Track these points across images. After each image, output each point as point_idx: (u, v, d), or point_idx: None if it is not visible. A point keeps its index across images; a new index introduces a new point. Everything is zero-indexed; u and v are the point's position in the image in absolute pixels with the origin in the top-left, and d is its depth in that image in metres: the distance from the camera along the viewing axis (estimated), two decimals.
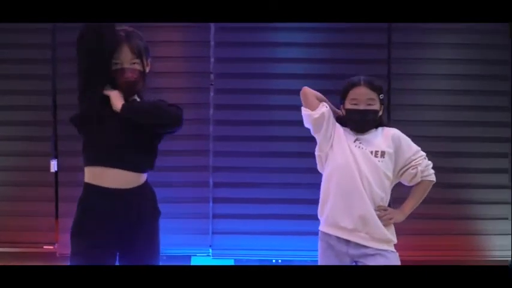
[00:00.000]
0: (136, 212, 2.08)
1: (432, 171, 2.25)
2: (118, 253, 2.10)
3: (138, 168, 2.10)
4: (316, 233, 2.32)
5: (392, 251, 2.16)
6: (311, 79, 3.52)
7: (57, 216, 3.56)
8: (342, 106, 2.29)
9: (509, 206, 3.50)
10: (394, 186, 2.26)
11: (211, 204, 3.56)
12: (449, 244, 3.51)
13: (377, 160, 2.16)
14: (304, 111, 2.30)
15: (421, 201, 2.27)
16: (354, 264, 2.19)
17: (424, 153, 2.25)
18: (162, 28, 3.46)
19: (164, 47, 3.47)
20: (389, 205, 2.23)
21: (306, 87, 2.34)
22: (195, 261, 3.57)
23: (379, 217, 2.16)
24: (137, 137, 2.08)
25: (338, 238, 2.18)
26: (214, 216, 3.56)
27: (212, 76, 3.57)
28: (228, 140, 3.56)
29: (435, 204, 3.21)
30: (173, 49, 3.55)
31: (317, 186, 2.32)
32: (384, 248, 2.14)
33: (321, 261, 2.25)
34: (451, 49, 3.54)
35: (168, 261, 3.36)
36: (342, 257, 2.17)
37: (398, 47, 3.54)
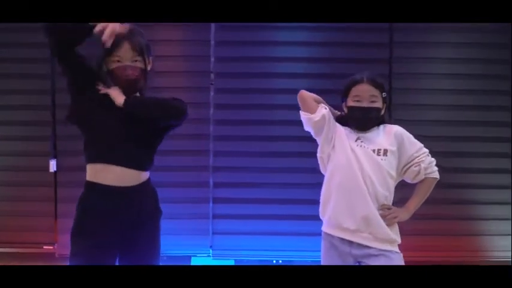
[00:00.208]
0: (138, 210, 2.07)
1: (436, 168, 2.22)
2: (118, 253, 2.09)
3: (139, 166, 2.08)
4: (316, 234, 2.31)
5: (396, 252, 2.14)
6: (312, 78, 3.53)
7: (56, 217, 3.54)
8: (343, 104, 2.27)
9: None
10: (397, 187, 2.23)
11: (211, 204, 3.55)
12: (450, 245, 3.51)
13: (380, 158, 2.14)
14: (304, 115, 2.27)
15: (425, 199, 2.24)
16: (357, 264, 2.17)
17: (427, 150, 2.22)
18: (162, 27, 3.44)
19: (164, 45, 3.45)
20: (392, 204, 2.21)
21: (302, 90, 2.32)
22: (195, 261, 3.56)
23: (383, 216, 2.13)
24: (138, 133, 2.07)
25: (341, 238, 2.16)
26: (215, 216, 3.55)
27: (212, 75, 3.56)
28: (228, 139, 3.55)
29: (437, 204, 3.20)
30: (173, 48, 3.53)
31: (318, 186, 2.31)
32: (387, 249, 2.12)
33: (324, 261, 2.23)
34: (452, 48, 3.53)
35: (168, 261, 3.35)
36: (345, 257, 2.15)
37: (399, 46, 3.53)
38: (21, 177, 3.56)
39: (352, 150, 2.17)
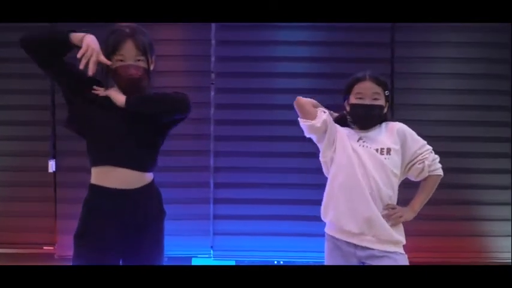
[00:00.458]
0: (143, 213, 2.06)
1: (439, 165, 2.20)
2: (122, 256, 2.06)
3: (142, 167, 2.07)
4: (318, 234, 2.30)
5: (400, 253, 2.12)
6: (313, 78, 3.52)
7: (55, 217, 3.53)
8: (345, 102, 2.24)
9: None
10: (400, 189, 2.20)
11: (212, 205, 3.53)
12: (452, 246, 3.49)
13: (383, 158, 2.12)
14: (304, 122, 2.24)
15: (429, 196, 2.22)
16: (361, 265, 2.14)
17: (430, 147, 2.20)
18: (162, 26, 3.42)
19: (164, 45, 3.42)
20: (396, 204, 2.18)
21: (298, 97, 2.28)
22: (196, 262, 3.55)
23: (388, 216, 2.11)
24: (141, 133, 2.05)
25: (346, 241, 2.14)
26: (215, 217, 3.54)
27: (213, 75, 3.55)
28: (229, 140, 3.54)
29: (437, 205, 3.18)
30: (173, 47, 3.52)
31: (320, 186, 2.29)
32: (392, 250, 2.10)
33: (328, 262, 2.21)
34: (454, 48, 3.52)
35: (169, 262, 3.32)
36: (349, 258, 2.12)
37: (401, 45, 3.52)
38: (20, 177, 3.54)
39: (354, 150, 2.15)
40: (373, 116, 2.17)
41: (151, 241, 2.09)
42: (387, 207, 2.12)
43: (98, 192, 2.03)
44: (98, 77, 2.06)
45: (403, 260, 2.11)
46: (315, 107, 2.26)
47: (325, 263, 2.23)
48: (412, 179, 2.22)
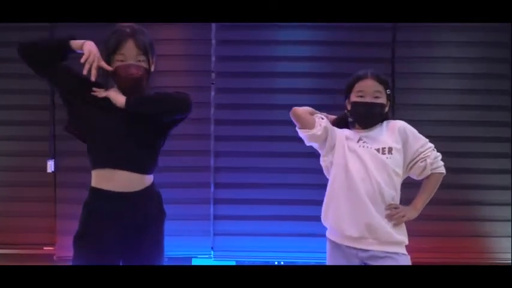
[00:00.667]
0: (143, 215, 2.05)
1: (441, 163, 2.19)
2: (122, 258, 2.06)
3: (143, 169, 2.06)
4: (319, 235, 2.28)
5: (403, 254, 2.10)
6: (314, 78, 3.52)
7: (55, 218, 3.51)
8: (346, 101, 2.23)
9: None
10: (401, 188, 2.19)
11: (212, 205, 3.52)
12: (452, 246, 3.47)
13: (385, 157, 2.10)
14: (304, 132, 2.22)
15: (432, 195, 2.20)
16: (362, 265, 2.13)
17: (432, 145, 2.18)
18: (163, 26, 3.40)
19: (164, 44, 3.41)
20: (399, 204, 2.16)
21: (294, 108, 2.25)
22: (196, 263, 3.53)
23: (391, 216, 2.10)
24: (141, 135, 2.04)
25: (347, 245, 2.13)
26: (216, 217, 3.53)
27: (213, 75, 3.54)
28: (229, 140, 3.53)
29: (439, 205, 3.16)
30: (173, 47, 3.51)
31: (320, 187, 2.28)
32: (394, 251, 2.08)
33: (329, 262, 2.20)
34: (455, 47, 3.51)
35: (169, 263, 3.32)
36: (351, 258, 2.11)
37: (402, 45, 3.51)
38: (20, 177, 3.53)
39: (354, 152, 2.13)
40: (375, 114, 2.16)
41: (151, 242, 2.09)
42: (389, 206, 2.10)
43: (98, 195, 2.02)
44: (98, 78, 2.05)
45: (405, 261, 2.10)
46: (311, 114, 2.24)
47: (327, 263, 2.22)
48: (415, 177, 2.20)
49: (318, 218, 2.29)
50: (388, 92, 2.17)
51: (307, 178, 3.39)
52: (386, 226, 2.08)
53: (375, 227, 2.07)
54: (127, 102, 1.99)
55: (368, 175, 2.09)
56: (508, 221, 3.46)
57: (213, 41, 3.53)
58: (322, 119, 2.22)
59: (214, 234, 3.53)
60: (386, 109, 2.20)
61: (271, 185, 3.49)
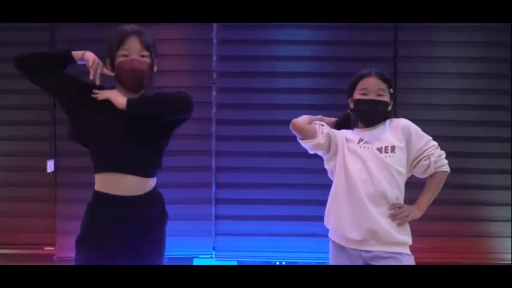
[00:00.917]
0: (147, 218, 2.05)
1: (446, 161, 2.17)
2: (124, 260, 2.04)
3: (147, 173, 2.05)
4: (320, 235, 2.27)
5: (407, 254, 2.09)
6: (315, 78, 3.51)
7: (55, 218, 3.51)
8: (349, 100, 2.22)
9: None
10: (406, 189, 2.17)
11: (213, 205, 3.52)
12: (452, 246, 3.46)
13: (386, 156, 2.08)
14: (307, 142, 2.19)
15: (436, 194, 2.18)
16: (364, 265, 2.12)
17: (435, 143, 2.16)
18: (164, 25, 3.40)
19: (165, 44, 3.41)
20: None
21: (293, 120, 2.22)
22: (198, 263, 3.53)
23: (395, 215, 2.08)
24: (143, 137, 2.03)
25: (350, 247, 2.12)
26: (217, 217, 3.53)
27: (214, 74, 3.54)
28: (230, 139, 3.52)
29: (438, 205, 3.16)
30: (175, 47, 3.51)
31: (322, 187, 2.28)
32: (398, 251, 2.07)
33: (332, 262, 2.19)
34: (456, 47, 3.51)
35: (170, 263, 3.31)
36: (354, 258, 2.10)
37: (404, 45, 3.50)
38: (20, 177, 3.53)
39: (355, 153, 2.12)
40: (378, 111, 2.15)
41: (153, 244, 2.09)
42: (393, 206, 2.09)
43: (102, 199, 2.02)
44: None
45: (409, 261, 2.08)
46: (310, 122, 2.23)
47: (330, 263, 2.21)
48: (418, 176, 2.19)
49: (319, 218, 2.29)
50: (391, 91, 2.16)
51: (309, 178, 3.38)
52: (388, 227, 2.06)
53: (376, 230, 2.05)
54: (128, 103, 1.98)
55: (370, 176, 2.07)
56: (508, 221, 3.45)
57: (215, 41, 3.52)
58: (322, 125, 2.20)
59: (216, 234, 3.52)
60: (389, 108, 2.19)
61: (272, 185, 3.48)
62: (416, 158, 2.14)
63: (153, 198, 2.09)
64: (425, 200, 2.17)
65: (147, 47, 2.02)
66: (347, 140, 2.17)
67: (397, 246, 2.07)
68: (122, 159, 1.99)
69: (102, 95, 2.02)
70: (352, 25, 3.40)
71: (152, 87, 2.15)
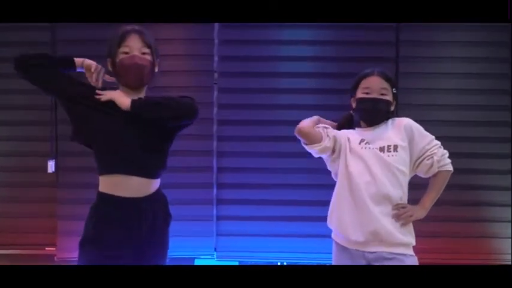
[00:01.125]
0: (152, 219, 2.04)
1: (449, 160, 2.16)
2: (128, 262, 2.03)
3: (151, 174, 2.05)
4: (322, 235, 2.26)
5: (410, 255, 2.07)
6: (317, 78, 3.51)
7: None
8: (352, 99, 2.21)
9: None
10: (409, 190, 2.15)
11: (215, 205, 3.51)
12: (454, 247, 3.45)
13: (388, 155, 2.07)
14: (313, 147, 2.17)
15: (440, 193, 2.17)
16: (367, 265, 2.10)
17: (438, 142, 2.15)
18: (165, 25, 3.40)
19: (167, 44, 3.40)
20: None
21: (299, 126, 2.19)
22: (199, 263, 3.53)
23: (398, 215, 2.07)
24: (147, 138, 2.02)
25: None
26: (219, 218, 3.52)
27: (216, 75, 3.53)
28: (232, 140, 3.52)
29: (440, 205, 3.14)
30: (176, 47, 3.50)
31: (324, 187, 2.27)
32: (401, 252, 2.05)
33: (335, 262, 2.18)
34: (460, 47, 3.50)
35: (172, 263, 3.30)
36: (356, 259, 2.08)
37: (406, 45, 3.49)
38: (21, 177, 3.53)
39: (356, 153, 2.11)
40: (380, 110, 2.13)
41: (156, 244, 2.08)
42: (397, 206, 2.07)
43: (106, 200, 2.01)
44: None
45: (412, 262, 2.07)
46: (313, 126, 2.21)
47: (333, 263, 2.20)
48: (422, 175, 2.17)
49: (321, 219, 2.28)
50: (394, 91, 2.15)
51: (311, 178, 3.38)
52: (392, 228, 2.05)
53: (379, 231, 2.04)
54: (132, 104, 1.97)
55: (373, 177, 2.06)
56: (508, 221, 3.44)
57: (216, 41, 3.52)
58: (326, 128, 2.19)
59: (217, 235, 3.52)
60: (392, 108, 2.18)
61: (274, 185, 3.48)
62: (419, 158, 2.13)
63: (157, 199, 2.09)
64: (429, 199, 2.16)
65: (148, 44, 2.02)
66: (349, 140, 2.16)
67: (401, 247, 2.06)
68: (126, 161, 1.99)
69: (105, 96, 2.01)
70: (354, 25, 3.39)
71: (154, 87, 2.14)
